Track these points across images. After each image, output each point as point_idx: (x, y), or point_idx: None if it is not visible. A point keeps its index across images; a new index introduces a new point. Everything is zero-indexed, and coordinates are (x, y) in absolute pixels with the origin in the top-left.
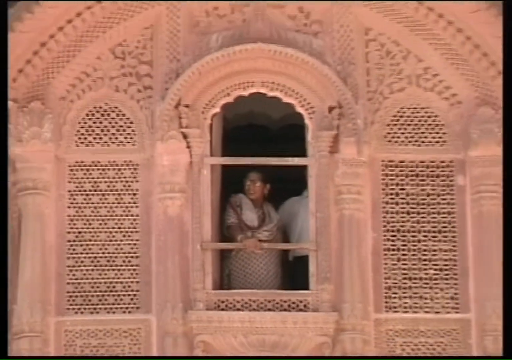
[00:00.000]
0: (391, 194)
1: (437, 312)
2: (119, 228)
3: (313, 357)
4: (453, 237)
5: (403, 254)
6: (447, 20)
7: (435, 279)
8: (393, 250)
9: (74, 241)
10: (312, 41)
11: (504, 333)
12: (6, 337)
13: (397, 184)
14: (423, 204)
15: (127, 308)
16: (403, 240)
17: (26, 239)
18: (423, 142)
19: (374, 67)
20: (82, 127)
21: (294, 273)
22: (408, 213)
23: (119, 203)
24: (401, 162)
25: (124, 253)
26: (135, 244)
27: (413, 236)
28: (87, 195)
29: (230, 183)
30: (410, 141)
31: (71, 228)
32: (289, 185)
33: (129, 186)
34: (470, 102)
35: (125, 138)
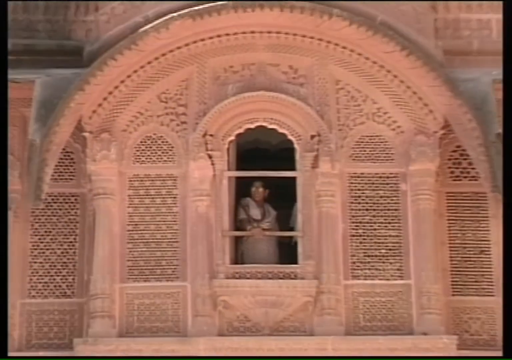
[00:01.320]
0: (355, 196)
1: (387, 279)
2: (164, 221)
3: (313, 357)
4: (399, 226)
5: (364, 239)
6: (393, 74)
7: (386, 256)
8: (357, 236)
9: (132, 230)
10: (299, 90)
11: (504, 333)
12: (6, 337)
13: (359, 189)
14: (377, 203)
15: (170, 277)
16: (364, 229)
17: (98, 229)
18: (377, 160)
19: (342, 107)
20: (137, 150)
21: (294, 253)
22: (367, 209)
23: (164, 204)
24: (362, 174)
25: (167, 239)
26: (175, 232)
27: (371, 226)
28: (141, 198)
29: (242, 189)
30: (368, 159)
31: (130, 221)
32: (283, 190)
33: (171, 191)
34: (410, 131)
35: (168, 158)
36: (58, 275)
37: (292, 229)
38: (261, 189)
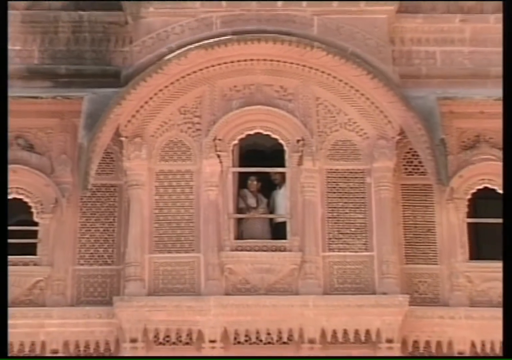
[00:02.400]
0: (331, 187)
1: (356, 251)
2: (183, 206)
3: (314, 357)
4: (365, 211)
5: (337, 220)
6: (361, 93)
7: (355, 233)
8: (332, 218)
9: (158, 213)
10: (288, 104)
11: (504, 333)
12: (6, 337)
13: (334, 182)
14: (348, 193)
15: (187, 250)
16: (338, 213)
17: (132, 213)
18: (348, 159)
19: (321, 118)
20: (162, 151)
21: (281, 231)
22: (340, 198)
23: (183, 193)
24: (337, 170)
25: (185, 220)
26: (191, 215)
27: (343, 210)
28: (165, 188)
29: (242, 182)
30: (341, 159)
31: (156, 206)
32: (273, 182)
33: (188, 183)
34: (373, 137)
35: (186, 157)
36: (100, 248)
37: (272, 212)
38: (255, 182)
